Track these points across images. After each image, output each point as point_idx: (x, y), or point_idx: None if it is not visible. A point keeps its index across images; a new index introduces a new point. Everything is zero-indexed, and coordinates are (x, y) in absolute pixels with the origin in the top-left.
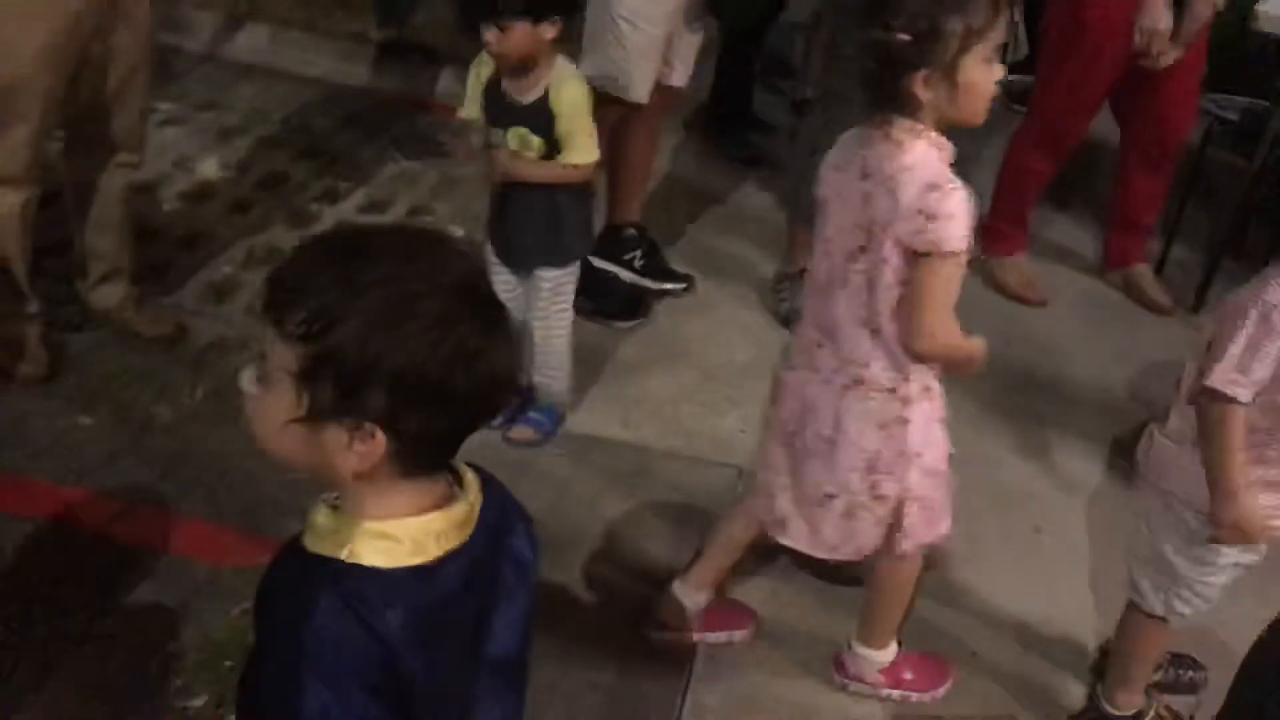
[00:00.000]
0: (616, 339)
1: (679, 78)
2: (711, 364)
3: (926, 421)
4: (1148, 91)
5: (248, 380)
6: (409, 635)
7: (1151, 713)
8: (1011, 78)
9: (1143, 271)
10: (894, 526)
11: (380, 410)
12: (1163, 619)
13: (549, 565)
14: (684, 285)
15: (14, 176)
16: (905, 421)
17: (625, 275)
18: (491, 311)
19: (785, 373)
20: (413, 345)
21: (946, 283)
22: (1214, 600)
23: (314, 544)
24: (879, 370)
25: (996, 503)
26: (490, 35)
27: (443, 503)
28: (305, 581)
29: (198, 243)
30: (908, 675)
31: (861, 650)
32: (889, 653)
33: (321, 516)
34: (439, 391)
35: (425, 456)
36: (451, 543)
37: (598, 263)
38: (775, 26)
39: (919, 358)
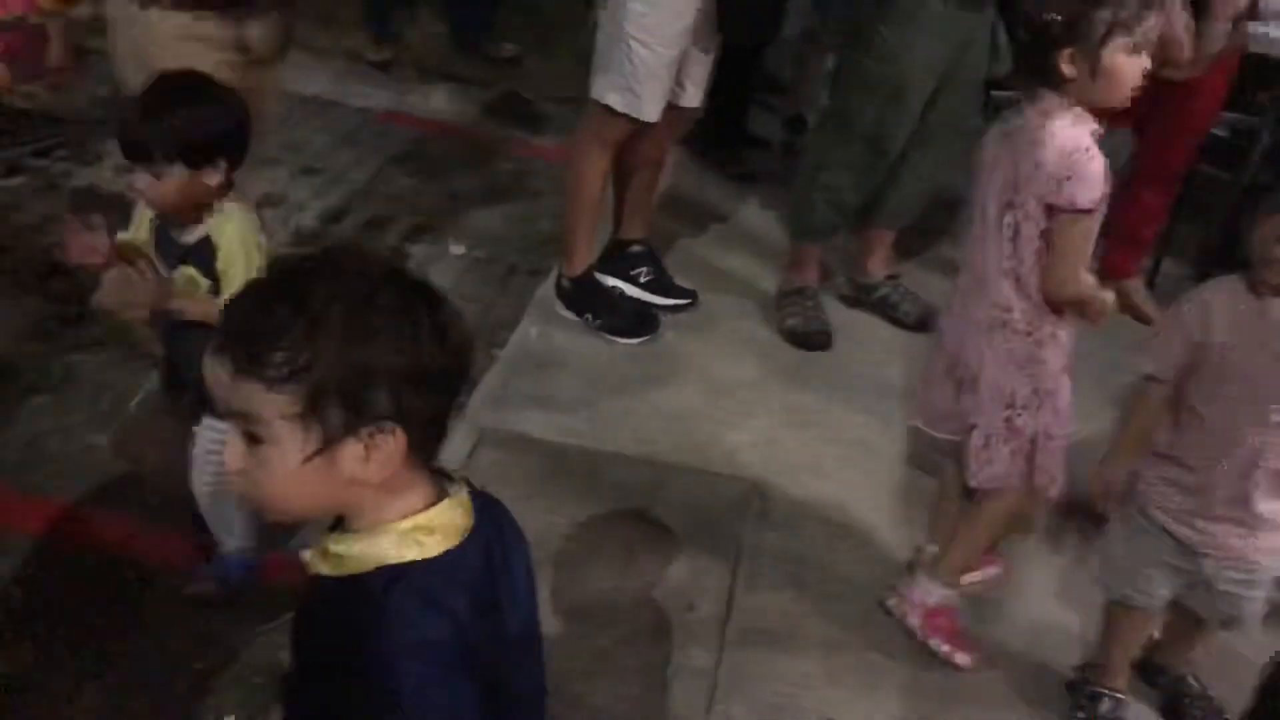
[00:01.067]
0: (624, 355)
1: (691, 98)
2: (719, 379)
3: (1060, 365)
4: (1168, 109)
5: (235, 454)
6: (471, 612)
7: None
8: (994, 92)
9: (1135, 286)
10: (1030, 461)
11: (390, 407)
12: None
13: (570, 581)
14: (689, 301)
15: None
16: (1041, 362)
17: (631, 291)
18: (426, 287)
19: (945, 317)
20: (394, 340)
21: (1078, 238)
22: (1153, 595)
23: (345, 569)
24: (1018, 315)
25: None
26: (142, 182)
27: (444, 492)
28: (364, 600)
29: None
30: (944, 622)
31: (924, 578)
32: (944, 594)
33: (342, 545)
34: (429, 371)
35: (433, 440)
36: (469, 525)
37: (604, 279)
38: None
39: (1053, 304)
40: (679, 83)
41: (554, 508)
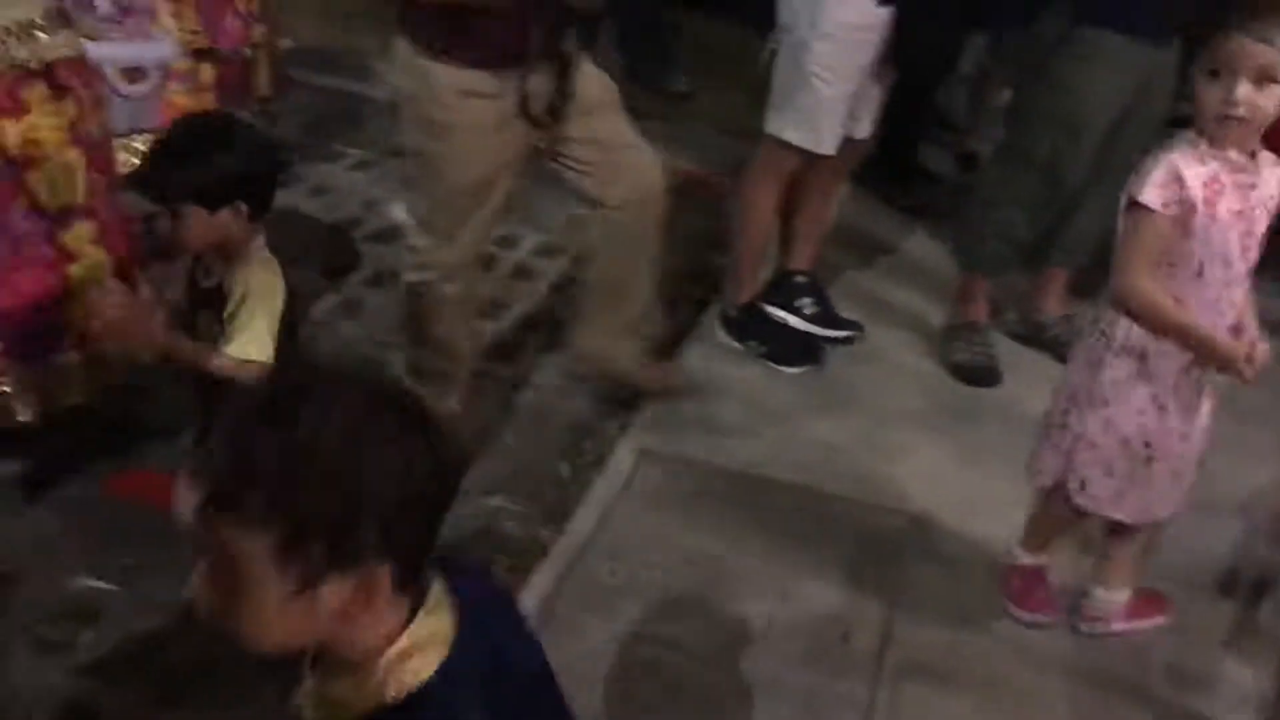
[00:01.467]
0: (787, 383)
1: (863, 130)
2: (883, 411)
3: (1129, 380)
4: None
5: (205, 589)
6: (487, 690)
7: None
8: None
9: None
10: (1069, 466)
11: (377, 542)
12: None
13: (724, 604)
14: (854, 333)
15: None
16: (1101, 366)
17: (795, 322)
18: (419, 407)
19: None
20: (385, 472)
21: (1141, 234)
22: None
23: (349, 712)
24: (1104, 315)
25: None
26: (162, 222)
27: (425, 590)
28: None
29: (386, 280)
30: (1015, 582)
31: (1016, 545)
32: (1025, 557)
33: (339, 686)
34: (419, 500)
35: (418, 565)
36: (455, 620)
37: (769, 309)
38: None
39: (1115, 297)
40: (852, 115)
41: (711, 530)
